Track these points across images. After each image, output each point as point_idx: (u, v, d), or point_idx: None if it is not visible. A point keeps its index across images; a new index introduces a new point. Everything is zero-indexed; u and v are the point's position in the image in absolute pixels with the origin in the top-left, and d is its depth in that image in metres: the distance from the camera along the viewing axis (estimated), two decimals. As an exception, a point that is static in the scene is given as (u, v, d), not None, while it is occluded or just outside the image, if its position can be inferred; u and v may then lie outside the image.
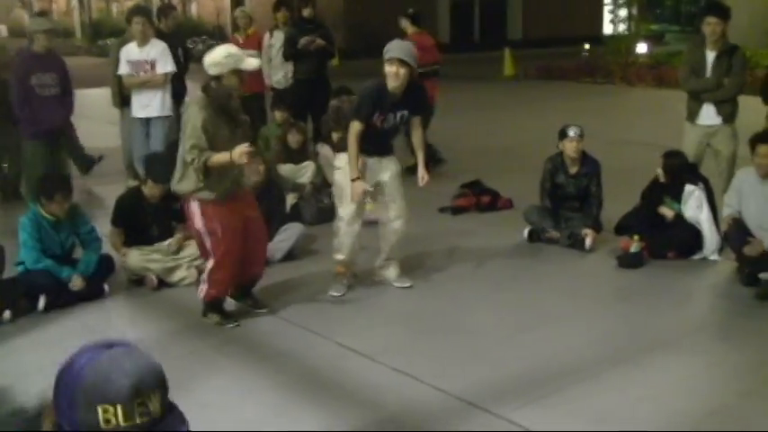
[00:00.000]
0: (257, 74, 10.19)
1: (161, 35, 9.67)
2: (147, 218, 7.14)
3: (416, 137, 6.92)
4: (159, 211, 7.16)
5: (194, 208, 5.94)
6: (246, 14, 12.18)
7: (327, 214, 8.54)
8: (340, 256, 6.80)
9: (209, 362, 5.53)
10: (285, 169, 9.05)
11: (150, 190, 7.12)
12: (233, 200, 6.00)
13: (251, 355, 5.67)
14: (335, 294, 6.67)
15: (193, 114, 5.77)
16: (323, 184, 9.03)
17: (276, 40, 11.23)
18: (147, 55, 9.17)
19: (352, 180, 6.49)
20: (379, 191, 6.73)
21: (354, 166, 6.46)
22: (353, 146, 6.46)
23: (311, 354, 5.62)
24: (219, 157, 5.75)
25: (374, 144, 6.60)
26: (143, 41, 9.18)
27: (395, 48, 6.48)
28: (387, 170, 6.70)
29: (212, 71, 5.77)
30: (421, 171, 6.76)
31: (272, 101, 10.81)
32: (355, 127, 6.47)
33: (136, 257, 6.96)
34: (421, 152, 6.88)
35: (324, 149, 9.30)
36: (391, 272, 6.93)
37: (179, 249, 7.02)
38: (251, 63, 5.85)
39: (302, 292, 6.78)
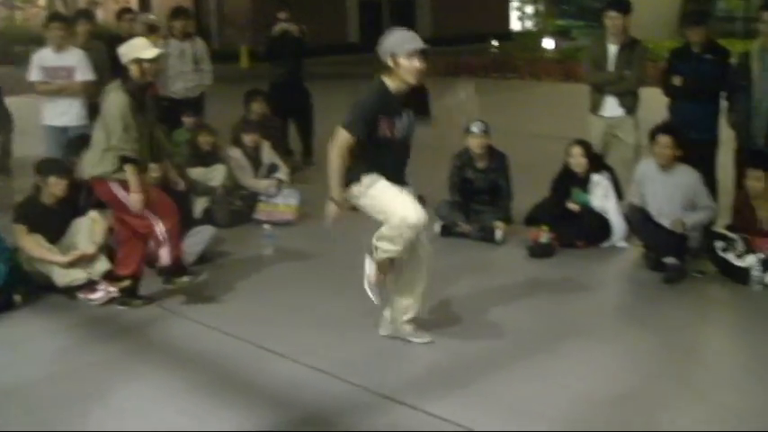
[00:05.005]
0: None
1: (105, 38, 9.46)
2: (51, 224, 6.88)
3: None
4: (61, 214, 6.94)
5: (116, 188, 6.28)
6: (144, 22, 11.68)
7: (240, 217, 8.56)
8: (393, 247, 5.49)
9: (127, 368, 5.48)
10: (196, 173, 8.96)
11: (53, 188, 6.84)
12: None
13: (168, 359, 5.64)
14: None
15: (117, 99, 6.16)
16: (234, 187, 8.98)
17: (174, 48, 10.08)
18: (63, 61, 8.92)
19: (331, 198, 5.45)
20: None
21: (338, 184, 5.39)
22: (338, 161, 5.30)
23: (229, 356, 5.61)
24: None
25: (395, 167, 5.56)
26: (60, 48, 8.93)
27: (412, 36, 5.39)
28: None
29: (122, 61, 6.25)
30: None
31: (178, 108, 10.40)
32: (345, 139, 5.26)
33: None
34: None
35: (234, 152, 9.25)
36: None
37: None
38: (150, 52, 6.24)
39: (217, 295, 6.74)
